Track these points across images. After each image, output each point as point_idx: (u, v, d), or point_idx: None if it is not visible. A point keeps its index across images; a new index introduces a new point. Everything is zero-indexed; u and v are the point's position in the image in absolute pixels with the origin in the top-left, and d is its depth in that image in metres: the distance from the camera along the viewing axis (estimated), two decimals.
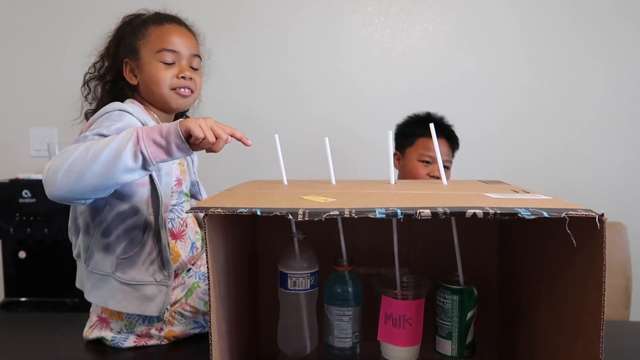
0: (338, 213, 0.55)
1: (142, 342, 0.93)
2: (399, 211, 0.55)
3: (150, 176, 0.91)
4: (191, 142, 0.78)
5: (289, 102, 1.98)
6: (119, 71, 1.00)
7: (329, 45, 1.98)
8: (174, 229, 0.98)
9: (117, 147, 0.75)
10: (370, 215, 0.55)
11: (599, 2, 1.91)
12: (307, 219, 0.55)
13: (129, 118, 0.89)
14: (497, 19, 1.94)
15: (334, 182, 0.83)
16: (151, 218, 0.92)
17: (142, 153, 0.75)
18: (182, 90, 0.98)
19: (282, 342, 0.80)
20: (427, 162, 1.44)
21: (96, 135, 0.84)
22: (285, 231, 0.78)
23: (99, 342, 0.95)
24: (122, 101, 0.97)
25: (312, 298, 0.79)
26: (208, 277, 0.59)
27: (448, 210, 0.55)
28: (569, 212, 0.53)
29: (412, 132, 1.50)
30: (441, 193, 0.71)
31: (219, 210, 0.57)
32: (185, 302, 0.97)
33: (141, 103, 1.00)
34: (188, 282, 0.99)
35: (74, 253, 0.97)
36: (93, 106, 1.02)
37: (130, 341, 0.93)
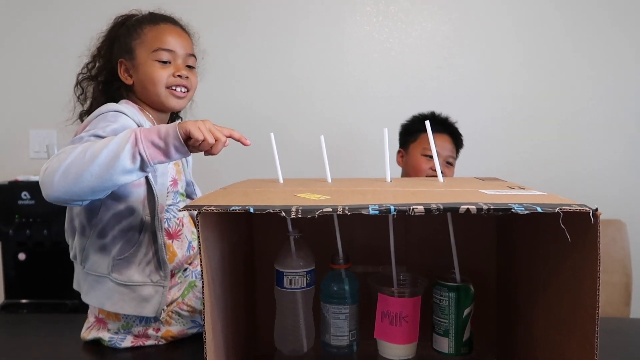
0: (331, 210, 0.55)
1: (140, 342, 0.93)
2: (392, 207, 0.55)
3: (146, 177, 0.91)
4: (190, 145, 0.78)
5: (288, 101, 1.99)
6: (113, 71, 1.00)
7: (328, 45, 1.98)
8: (170, 229, 0.98)
9: (115, 149, 0.75)
10: (363, 212, 0.55)
11: (596, 2, 1.91)
12: (300, 216, 0.55)
13: (124, 119, 0.89)
14: (496, 19, 1.94)
15: (329, 181, 0.83)
16: (147, 218, 0.92)
17: (140, 154, 0.75)
18: (178, 89, 0.98)
19: (279, 340, 0.80)
20: (431, 156, 1.44)
21: (92, 136, 0.84)
22: (281, 230, 0.77)
23: (97, 342, 0.95)
24: (117, 101, 0.97)
25: (309, 296, 0.79)
26: (202, 276, 0.59)
27: (441, 206, 0.55)
28: (563, 207, 0.53)
29: (416, 128, 1.51)
30: (436, 190, 0.70)
31: (212, 208, 0.57)
32: (182, 302, 0.97)
33: (136, 103, 1.00)
34: (185, 282, 0.99)
35: (71, 254, 0.97)
36: (86, 107, 1.02)
37: (127, 341, 0.93)
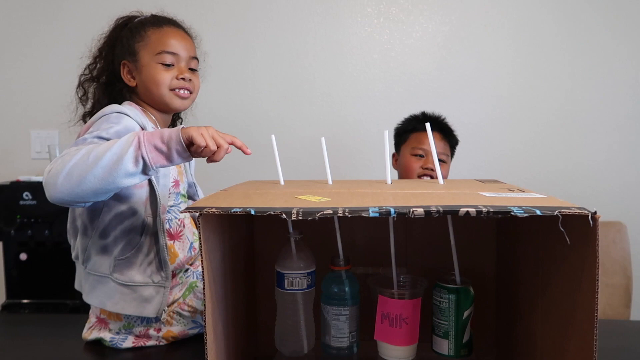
0: (332, 212, 0.55)
1: (141, 342, 0.94)
2: (392, 210, 0.55)
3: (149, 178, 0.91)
4: (192, 150, 0.78)
5: (288, 102, 1.99)
6: (116, 73, 1.00)
7: (328, 46, 1.98)
8: (171, 230, 0.98)
9: (119, 152, 0.75)
10: (363, 214, 0.55)
11: (593, 3, 1.91)
12: (300, 218, 0.55)
13: (127, 120, 0.90)
14: (496, 20, 1.94)
15: (330, 182, 0.84)
16: (149, 219, 0.92)
17: (142, 158, 0.76)
18: (182, 91, 0.99)
19: (279, 342, 0.80)
20: (420, 155, 1.44)
21: (95, 138, 0.84)
22: (282, 231, 0.78)
23: (98, 343, 0.95)
24: (120, 103, 0.98)
25: (309, 298, 0.79)
26: (203, 277, 0.60)
27: (441, 209, 0.55)
28: (562, 210, 0.53)
29: (405, 129, 1.51)
30: (436, 192, 0.71)
31: (214, 209, 0.57)
32: (184, 302, 0.97)
33: (139, 105, 1.00)
34: (186, 282, 1.00)
35: (73, 255, 0.98)
36: (88, 108, 1.02)
37: (128, 342, 0.93)
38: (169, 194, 0.98)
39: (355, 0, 1.98)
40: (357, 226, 0.86)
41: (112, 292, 0.91)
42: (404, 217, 0.55)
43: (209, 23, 1.94)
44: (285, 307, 0.78)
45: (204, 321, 0.61)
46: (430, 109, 1.57)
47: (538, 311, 0.70)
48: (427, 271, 0.78)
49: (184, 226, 1.00)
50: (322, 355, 0.80)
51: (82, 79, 1.03)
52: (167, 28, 1.00)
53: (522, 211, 0.54)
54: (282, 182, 0.85)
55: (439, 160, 1.43)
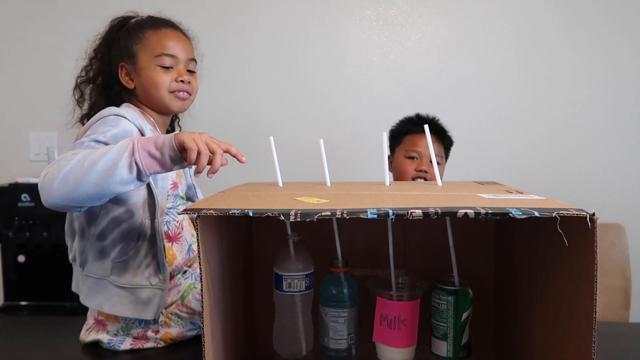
0: (330, 214, 0.55)
1: (139, 344, 0.93)
2: (390, 211, 0.55)
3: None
4: (185, 157, 0.76)
5: (287, 104, 1.99)
6: (113, 74, 1.00)
7: (328, 48, 1.98)
8: (169, 232, 0.98)
9: (114, 158, 0.75)
10: (362, 216, 0.55)
11: (596, 5, 1.91)
12: (299, 219, 0.55)
13: (125, 123, 0.90)
14: (495, 22, 1.95)
15: (329, 184, 0.84)
16: (147, 222, 0.92)
17: (136, 164, 0.75)
18: (181, 93, 1.00)
19: (278, 344, 0.80)
20: (414, 157, 1.44)
21: (92, 141, 0.84)
22: (280, 233, 0.78)
23: (96, 345, 0.95)
24: (118, 105, 0.98)
25: (308, 300, 0.79)
26: (201, 279, 0.60)
27: (440, 210, 0.55)
28: (560, 212, 0.53)
29: (399, 131, 1.51)
30: (434, 194, 0.71)
31: (212, 211, 0.57)
32: (182, 304, 0.97)
33: (137, 106, 1.00)
34: (184, 284, 0.99)
35: (70, 257, 0.97)
36: (85, 110, 1.02)
37: (126, 344, 0.93)
38: (168, 196, 0.97)
39: (354, 3, 1.98)
40: (355, 228, 0.86)
41: (110, 295, 0.90)
42: (402, 219, 0.55)
43: (207, 25, 1.94)
44: (284, 309, 0.78)
45: (202, 323, 0.60)
46: (429, 112, 1.57)
47: (537, 313, 0.70)
48: (425, 273, 0.78)
49: (182, 228, 1.00)
50: (321, 357, 0.80)
51: (78, 80, 1.03)
52: (165, 30, 1.00)
53: (521, 213, 0.54)
54: (280, 184, 0.85)
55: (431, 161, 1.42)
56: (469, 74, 1.96)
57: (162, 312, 0.93)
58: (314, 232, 0.77)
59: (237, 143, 2.15)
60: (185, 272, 1.02)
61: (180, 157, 0.76)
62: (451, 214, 0.55)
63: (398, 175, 1.47)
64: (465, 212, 0.54)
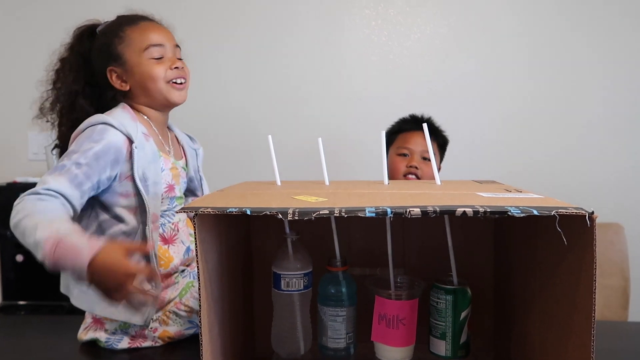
0: (328, 212, 0.55)
1: (137, 343, 0.93)
2: (389, 210, 0.55)
3: (137, 187, 0.91)
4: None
5: (286, 103, 1.99)
6: (101, 83, 0.98)
7: (327, 48, 1.98)
8: (165, 234, 0.97)
9: (32, 245, 0.76)
10: (360, 214, 0.55)
11: (597, 4, 1.91)
12: (297, 218, 0.55)
13: (111, 134, 0.89)
14: (495, 22, 1.94)
15: (327, 183, 0.83)
16: (140, 227, 0.92)
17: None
18: (178, 81, 0.99)
19: (276, 343, 0.80)
20: (405, 154, 1.45)
21: (74, 165, 0.85)
22: (278, 232, 0.78)
23: (94, 344, 0.94)
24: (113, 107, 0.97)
25: (306, 299, 0.79)
26: (198, 278, 0.59)
27: (438, 209, 0.55)
28: (559, 210, 0.53)
29: (392, 131, 1.53)
30: (433, 192, 0.71)
31: (209, 210, 0.57)
32: (180, 302, 0.96)
33: (133, 107, 0.99)
34: (182, 282, 0.99)
35: None
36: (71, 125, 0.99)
37: (124, 343, 0.93)
38: (162, 199, 0.97)
39: (353, 2, 1.98)
40: (354, 227, 0.86)
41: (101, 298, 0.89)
42: (400, 218, 0.55)
43: (205, 24, 1.94)
44: (282, 308, 0.78)
45: (200, 322, 0.60)
46: (428, 111, 1.57)
47: (535, 312, 0.70)
48: (424, 272, 0.78)
49: (177, 230, 1.00)
50: (319, 356, 0.80)
51: (46, 104, 1.02)
52: (143, 23, 0.99)
53: (519, 211, 0.53)
54: (278, 183, 0.84)
55: (424, 158, 1.43)
56: (468, 73, 1.95)
57: (152, 319, 0.93)
58: (313, 231, 0.77)
59: (235, 142, 2.17)
60: (183, 270, 1.01)
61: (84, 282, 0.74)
62: (450, 212, 0.55)
63: (390, 172, 1.48)
64: (464, 211, 0.54)
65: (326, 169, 0.84)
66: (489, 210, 0.54)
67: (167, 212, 0.99)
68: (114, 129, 0.90)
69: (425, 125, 0.84)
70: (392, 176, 1.46)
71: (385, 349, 0.75)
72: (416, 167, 1.41)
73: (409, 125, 1.49)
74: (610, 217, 1.70)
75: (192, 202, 0.68)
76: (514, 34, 1.94)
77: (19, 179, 1.79)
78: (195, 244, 0.59)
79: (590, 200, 1.85)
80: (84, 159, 0.85)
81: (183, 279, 1.00)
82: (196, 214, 0.57)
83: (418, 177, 1.42)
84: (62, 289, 0.97)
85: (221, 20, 1.97)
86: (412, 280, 0.78)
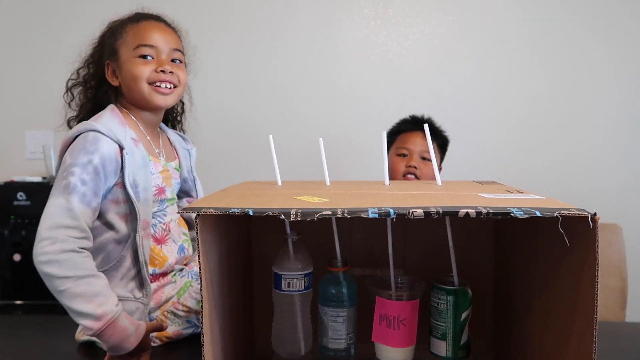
0: (331, 213, 0.55)
1: None
2: (391, 211, 0.55)
3: (128, 195, 0.90)
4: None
5: (286, 103, 1.99)
6: (102, 75, 0.99)
7: (326, 48, 1.98)
8: (156, 235, 0.97)
9: (77, 312, 0.79)
10: (362, 215, 0.55)
11: (591, 6, 1.92)
12: (299, 219, 0.55)
13: (103, 144, 0.88)
14: (494, 22, 1.95)
15: (328, 183, 0.83)
16: (129, 235, 0.91)
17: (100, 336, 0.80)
18: (163, 85, 0.96)
19: (277, 343, 0.80)
20: (404, 154, 1.46)
21: (79, 181, 0.84)
22: (279, 232, 0.77)
23: (91, 344, 0.94)
24: (105, 105, 0.97)
25: (307, 299, 0.78)
26: (200, 278, 0.59)
27: (441, 210, 0.55)
28: (562, 212, 0.53)
29: (392, 132, 1.53)
30: (435, 193, 0.70)
31: (212, 210, 0.57)
32: (178, 302, 0.96)
33: (124, 107, 0.99)
34: (180, 282, 0.99)
35: None
36: (74, 112, 1.01)
37: None
38: (152, 202, 0.96)
39: (352, 2, 1.98)
40: (355, 227, 0.86)
41: None
42: (401, 219, 0.55)
43: (206, 23, 1.93)
44: (283, 308, 0.78)
45: (201, 323, 0.60)
46: (427, 111, 1.57)
47: (536, 313, 0.70)
48: (425, 272, 0.78)
49: (169, 230, 1.00)
50: (320, 356, 0.79)
51: (69, 84, 1.01)
52: (145, 22, 0.98)
53: (522, 212, 0.53)
54: (279, 183, 0.84)
55: (423, 158, 1.44)
56: (467, 73, 1.96)
57: (150, 319, 0.93)
58: (313, 231, 0.76)
59: (236, 142, 2.16)
60: (181, 270, 1.01)
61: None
62: (452, 213, 0.55)
63: (390, 173, 1.48)
64: (467, 212, 0.54)
65: (327, 169, 0.84)
66: (491, 211, 0.54)
67: (157, 213, 0.98)
68: (105, 137, 0.89)
69: (426, 126, 0.84)
70: (392, 176, 1.47)
71: (385, 350, 0.75)
72: (415, 167, 1.42)
73: (408, 125, 1.50)
74: (608, 217, 1.70)
75: (193, 202, 0.67)
76: (514, 33, 1.94)
77: (17, 178, 1.79)
78: (198, 244, 0.58)
79: (588, 201, 1.86)
80: (86, 175, 0.85)
81: (181, 278, 1.00)
82: (198, 215, 0.57)
83: (417, 177, 1.42)
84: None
85: (218, 20, 1.96)
86: (413, 281, 0.78)
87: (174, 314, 0.96)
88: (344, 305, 0.77)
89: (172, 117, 1.13)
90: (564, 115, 1.94)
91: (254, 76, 1.98)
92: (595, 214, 0.52)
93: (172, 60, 0.98)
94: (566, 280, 0.61)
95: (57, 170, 0.90)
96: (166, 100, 0.98)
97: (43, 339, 1.01)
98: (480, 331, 0.82)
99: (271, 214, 0.55)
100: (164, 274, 0.98)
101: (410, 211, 0.54)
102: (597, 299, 0.53)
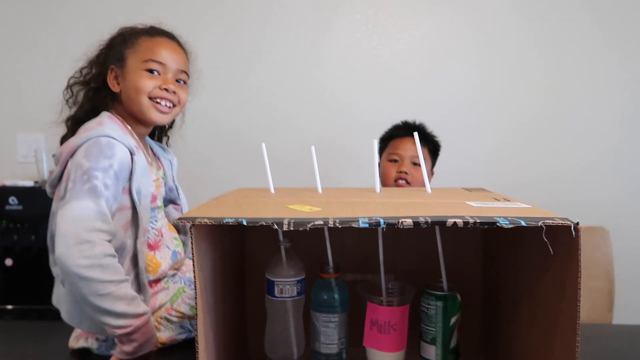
0: (322, 223, 0.56)
1: None
2: (381, 221, 0.56)
3: (132, 200, 0.91)
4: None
5: (277, 109, 2.00)
6: (104, 78, 0.99)
7: (317, 52, 2.00)
8: (150, 241, 0.98)
9: (115, 312, 0.81)
10: (354, 225, 0.56)
11: (580, 9, 1.95)
12: (292, 228, 0.56)
13: (118, 149, 0.89)
14: (485, 25, 1.97)
15: (320, 191, 0.85)
16: (129, 242, 0.92)
17: (131, 342, 0.84)
18: (163, 103, 0.98)
19: (269, 349, 0.81)
20: (395, 160, 1.47)
21: (102, 186, 0.85)
22: (272, 239, 0.78)
23: (86, 351, 0.94)
24: (101, 109, 0.97)
25: (299, 305, 0.80)
26: (195, 286, 0.60)
27: (429, 220, 0.56)
28: (546, 221, 0.55)
29: (384, 138, 1.55)
30: (424, 202, 0.72)
31: (206, 220, 0.58)
32: (171, 307, 0.97)
33: (120, 114, 0.99)
34: (173, 288, 0.99)
35: (53, 271, 0.94)
36: (72, 111, 1.01)
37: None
38: (150, 209, 0.97)
39: (344, 7, 1.99)
40: (346, 234, 0.87)
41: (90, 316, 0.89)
42: (389, 227, 0.56)
43: (200, 28, 1.94)
44: (276, 314, 0.79)
45: (196, 330, 0.61)
46: (418, 115, 1.59)
47: (522, 317, 0.72)
48: (415, 278, 0.80)
49: (162, 235, 1.00)
50: None
51: (71, 81, 1.02)
52: (160, 38, 1.00)
53: (508, 222, 0.55)
54: (272, 191, 0.85)
55: (414, 163, 1.45)
56: (457, 77, 1.98)
57: None
58: (306, 238, 0.77)
59: (227, 148, 2.17)
60: (174, 275, 1.02)
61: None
62: (441, 223, 0.56)
63: (382, 178, 1.50)
64: (455, 222, 0.56)
65: (319, 177, 0.85)
66: (478, 221, 0.56)
67: (150, 220, 0.99)
68: (118, 142, 0.90)
69: (416, 134, 0.86)
70: (383, 181, 1.48)
71: (376, 354, 0.77)
72: (406, 173, 1.44)
73: (400, 131, 1.52)
74: (595, 220, 1.73)
75: (188, 212, 0.68)
76: (504, 37, 1.97)
77: (8, 182, 1.78)
78: (192, 253, 0.59)
79: (575, 205, 1.89)
80: (108, 179, 0.86)
81: (174, 284, 1.00)
82: (193, 224, 0.58)
83: (408, 182, 1.44)
84: (54, 302, 0.96)
85: (213, 26, 1.97)
86: (403, 287, 0.79)
87: (168, 320, 0.96)
88: (335, 311, 0.78)
89: (159, 130, 1.14)
90: (552, 119, 1.97)
91: (245, 81, 1.99)
92: (577, 224, 0.54)
93: (177, 80, 1.00)
94: (551, 286, 0.63)
95: (49, 175, 0.90)
96: (162, 118, 1.00)
97: (35, 345, 1.01)
98: (469, 335, 0.83)
99: (265, 223, 0.57)
100: (157, 281, 0.98)
101: (400, 221, 0.56)
102: (579, 304, 0.55)
